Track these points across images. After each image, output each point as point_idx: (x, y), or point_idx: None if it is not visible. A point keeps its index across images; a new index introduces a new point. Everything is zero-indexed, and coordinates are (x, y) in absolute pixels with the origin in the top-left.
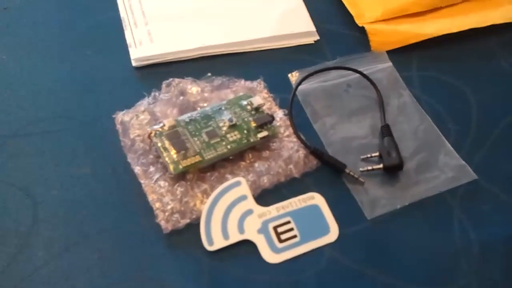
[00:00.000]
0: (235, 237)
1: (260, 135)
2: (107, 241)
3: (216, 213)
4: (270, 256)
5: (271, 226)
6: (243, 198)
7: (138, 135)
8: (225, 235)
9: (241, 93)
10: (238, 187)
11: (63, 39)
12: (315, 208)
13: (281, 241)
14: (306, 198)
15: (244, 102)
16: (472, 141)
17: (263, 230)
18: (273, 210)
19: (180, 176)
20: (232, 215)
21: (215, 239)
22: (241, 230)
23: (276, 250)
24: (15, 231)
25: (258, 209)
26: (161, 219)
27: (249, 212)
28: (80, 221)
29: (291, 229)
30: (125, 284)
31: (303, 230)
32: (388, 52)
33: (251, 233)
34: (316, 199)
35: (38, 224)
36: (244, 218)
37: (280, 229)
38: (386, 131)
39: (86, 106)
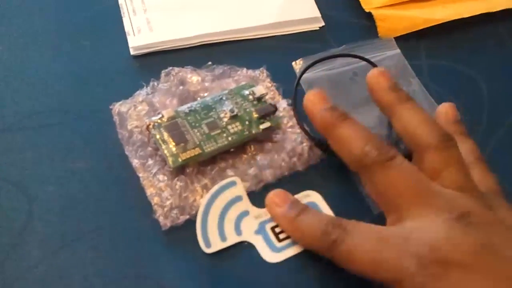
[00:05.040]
0: (232, 238)
1: (262, 126)
2: (104, 239)
3: (212, 214)
4: (270, 256)
5: (268, 227)
6: (238, 199)
7: (136, 127)
8: (222, 237)
9: (243, 82)
10: (233, 188)
11: (60, 29)
12: (313, 205)
13: (280, 240)
14: (301, 197)
15: (246, 92)
16: (484, 132)
17: (260, 231)
18: None
19: (180, 170)
20: (228, 216)
21: (212, 241)
22: (238, 231)
23: (276, 250)
24: (8, 229)
25: (254, 210)
26: (159, 215)
27: (245, 213)
28: (76, 218)
29: None
30: (122, 283)
31: None
32: (396, 38)
33: (249, 235)
34: (312, 196)
35: (32, 221)
36: (241, 220)
37: (277, 229)
38: None
39: (83, 98)
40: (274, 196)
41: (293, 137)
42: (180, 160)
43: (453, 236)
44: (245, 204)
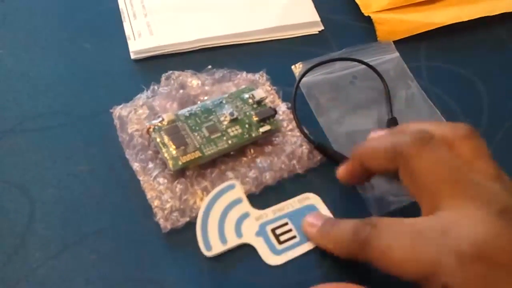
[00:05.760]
0: (233, 241)
1: (262, 129)
2: (105, 241)
3: (212, 218)
4: (270, 259)
5: (269, 228)
6: (238, 201)
7: (137, 130)
8: (223, 240)
9: (243, 86)
10: (233, 190)
11: (61, 31)
12: (312, 208)
13: (280, 242)
14: (301, 199)
15: (246, 95)
16: (483, 134)
17: (261, 233)
18: (270, 212)
19: (180, 173)
20: (228, 219)
21: (212, 244)
22: (239, 234)
23: (276, 252)
24: (10, 231)
25: (254, 212)
26: (160, 217)
27: (246, 215)
28: (77, 220)
29: (290, 230)
30: (123, 286)
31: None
32: (395, 42)
33: (249, 237)
34: (312, 199)
35: (34, 223)
36: (241, 222)
37: (278, 231)
38: (393, 124)
39: (84, 100)
40: (309, 217)
41: (292, 140)
42: (180, 163)
43: (494, 233)
44: (245, 206)
